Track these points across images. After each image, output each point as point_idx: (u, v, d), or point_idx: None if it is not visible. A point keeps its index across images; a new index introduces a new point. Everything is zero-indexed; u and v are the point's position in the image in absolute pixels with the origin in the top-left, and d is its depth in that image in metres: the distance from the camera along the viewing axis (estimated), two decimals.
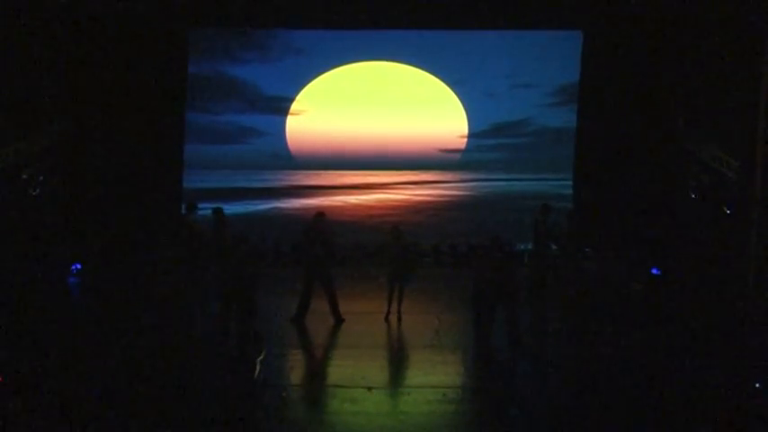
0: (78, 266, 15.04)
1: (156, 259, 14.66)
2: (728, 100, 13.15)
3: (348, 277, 14.43)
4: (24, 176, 14.07)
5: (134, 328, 12.22)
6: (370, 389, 10.15)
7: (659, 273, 14.75)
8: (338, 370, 11.21)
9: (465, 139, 18.47)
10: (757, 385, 9.59)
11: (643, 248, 15.25)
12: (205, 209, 14.58)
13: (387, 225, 14.46)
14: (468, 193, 18.75)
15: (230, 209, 17.96)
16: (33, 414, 8.94)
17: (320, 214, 13.53)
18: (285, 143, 18.36)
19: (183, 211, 15.00)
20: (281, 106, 18.20)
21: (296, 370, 11.40)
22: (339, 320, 13.04)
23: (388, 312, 13.23)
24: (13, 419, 8.75)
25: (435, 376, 10.67)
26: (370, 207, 18.59)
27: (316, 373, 11.38)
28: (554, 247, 14.47)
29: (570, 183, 17.63)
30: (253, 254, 12.40)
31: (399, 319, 13.21)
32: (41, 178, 14.43)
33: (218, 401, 9.87)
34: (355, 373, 10.71)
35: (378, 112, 18.55)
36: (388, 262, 13.42)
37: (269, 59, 17.97)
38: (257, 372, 10.81)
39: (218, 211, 14.24)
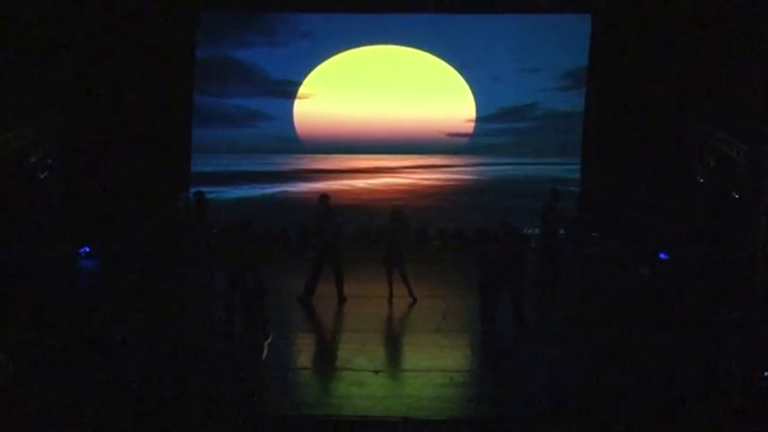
0: (87, 249, 15.10)
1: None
2: (737, 84, 13.09)
3: (355, 261, 14.44)
4: (33, 159, 14.10)
5: (142, 311, 12.27)
6: (376, 372, 10.19)
7: (667, 257, 14.74)
8: (345, 353, 11.26)
9: (472, 123, 18.41)
10: (766, 374, 9.57)
11: (650, 233, 15.23)
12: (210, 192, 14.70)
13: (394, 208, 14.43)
14: (475, 177, 18.70)
15: (237, 192, 18.06)
16: (42, 395, 9.02)
17: (324, 196, 13.60)
18: (292, 127, 18.33)
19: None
20: (288, 90, 18.16)
21: (303, 353, 11.46)
22: (342, 300, 13.13)
23: (391, 295, 13.27)
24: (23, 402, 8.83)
25: (442, 360, 10.70)
26: (378, 191, 18.57)
27: (323, 356, 11.42)
28: (562, 232, 14.48)
29: (578, 167, 17.58)
30: (257, 237, 12.43)
31: (413, 302, 13.23)
32: (49, 161, 14.45)
33: (227, 385, 9.91)
34: (362, 357, 10.75)
35: (385, 96, 18.50)
36: (385, 245, 13.47)
37: (276, 43, 17.92)
38: (264, 355, 10.85)
39: (198, 196, 14.28)
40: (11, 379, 9.23)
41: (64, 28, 14.69)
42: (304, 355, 11.40)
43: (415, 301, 13.27)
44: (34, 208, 14.01)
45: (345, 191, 18.22)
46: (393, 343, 12.06)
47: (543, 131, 18.10)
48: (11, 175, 13.22)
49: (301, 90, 18.16)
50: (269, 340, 11.26)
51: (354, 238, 16.45)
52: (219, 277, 12.27)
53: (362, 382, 9.89)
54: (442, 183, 18.80)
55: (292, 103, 18.21)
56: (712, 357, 10.40)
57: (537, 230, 14.98)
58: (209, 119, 17.72)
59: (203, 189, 15.02)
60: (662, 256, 14.74)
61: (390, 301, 13.25)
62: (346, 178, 18.62)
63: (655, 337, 11.28)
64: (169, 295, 13.20)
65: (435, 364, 10.50)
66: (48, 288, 12.88)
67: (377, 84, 18.38)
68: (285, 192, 18.47)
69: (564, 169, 17.74)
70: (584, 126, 17.36)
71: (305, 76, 18.08)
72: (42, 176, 14.32)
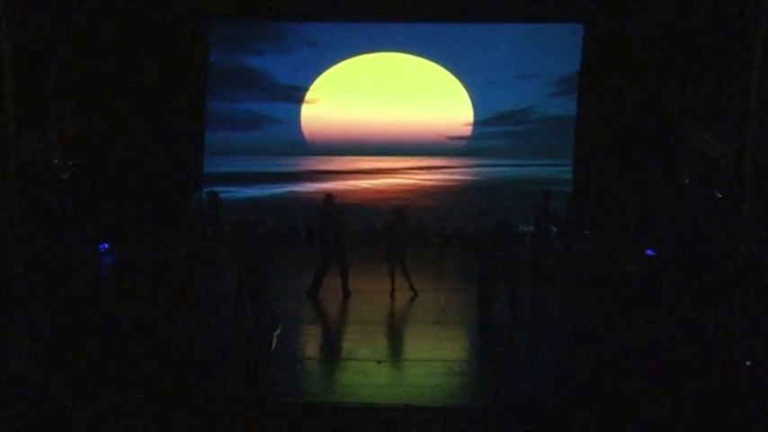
0: (105, 245, 15.18)
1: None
2: (721, 90, 13.15)
3: (359, 257, 14.52)
4: (55, 161, 14.17)
5: (157, 305, 12.36)
6: (379, 362, 10.26)
7: (654, 253, 14.79)
8: (350, 344, 11.32)
9: (470, 127, 18.47)
10: (748, 363, 9.64)
11: (639, 231, 15.29)
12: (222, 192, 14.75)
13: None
14: (473, 177, 18.77)
15: (248, 192, 18.14)
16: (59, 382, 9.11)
17: (329, 197, 13.65)
18: (300, 130, 18.40)
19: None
20: (295, 95, 18.23)
21: (310, 344, 11.53)
22: (346, 294, 13.18)
23: (393, 289, 13.33)
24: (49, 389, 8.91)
25: (441, 350, 10.77)
26: (380, 191, 18.64)
27: (328, 347, 11.49)
28: (554, 229, 14.54)
29: (570, 168, 17.62)
30: (267, 234, 12.48)
31: (414, 296, 13.28)
32: (71, 163, 14.53)
33: (238, 374, 9.99)
34: (366, 347, 10.82)
35: (388, 101, 18.56)
36: (387, 242, 13.53)
37: (284, 51, 17.99)
38: (274, 346, 10.92)
39: (211, 195, 14.31)
40: (22, 367, 9.31)
41: (85, 38, 14.77)
42: (311, 346, 11.47)
43: (415, 295, 13.33)
44: (57, 207, 14.07)
45: (350, 191, 18.28)
46: (395, 335, 12.12)
47: (538, 135, 18.15)
48: (35, 176, 13.28)
49: (308, 95, 18.22)
50: (278, 332, 11.33)
51: (358, 236, 16.50)
52: (231, 271, 12.36)
53: (366, 371, 9.96)
54: (441, 183, 18.86)
55: (299, 107, 18.28)
56: (697, 346, 10.47)
57: (531, 228, 15.04)
58: (221, 122, 17.81)
59: (216, 189, 15.08)
60: (649, 252, 14.80)
61: (392, 295, 13.30)
62: (351, 179, 18.69)
63: (643, 327, 11.35)
64: (184, 289, 13.29)
65: (435, 355, 10.57)
66: (69, 282, 12.97)
67: (380, 89, 18.44)
68: (293, 191, 18.54)
69: (557, 170, 17.79)
70: (577, 130, 17.41)
71: (311, 81, 18.14)
72: (64, 177, 14.39)
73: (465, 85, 18.27)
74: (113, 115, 15.62)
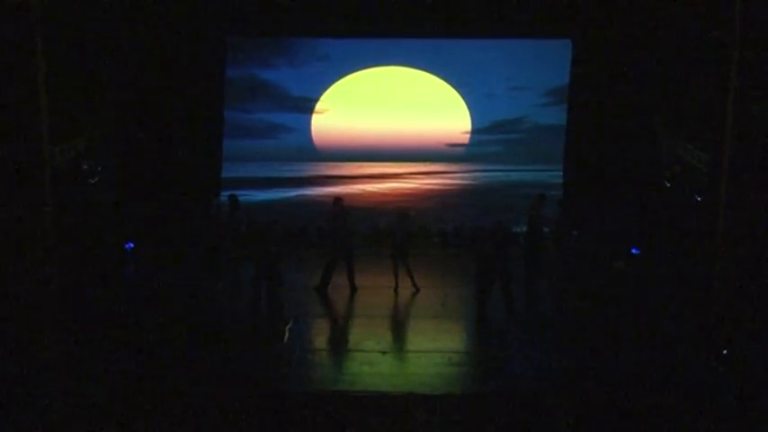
0: (131, 245, 15.17)
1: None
2: (700, 101, 13.11)
3: (365, 255, 14.49)
4: (85, 167, 14.18)
5: (180, 297, 12.37)
6: (384, 353, 10.24)
7: (638, 252, 14.75)
8: (356, 336, 11.31)
9: (468, 135, 18.51)
10: (725, 351, 9.62)
11: (624, 231, 15.24)
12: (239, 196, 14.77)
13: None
14: (470, 182, 18.80)
15: (262, 196, 18.18)
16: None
17: (338, 200, 13.66)
18: (310, 138, 18.45)
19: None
20: (306, 106, 18.28)
21: (319, 336, 11.51)
22: (353, 290, 13.18)
23: (397, 285, 13.32)
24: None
25: (441, 342, 10.75)
26: (385, 194, 18.67)
27: (337, 339, 11.48)
28: (546, 229, 14.52)
29: (560, 173, 17.60)
30: (280, 234, 12.47)
31: (416, 292, 13.26)
32: (99, 168, 14.53)
33: (253, 364, 9.97)
34: (371, 339, 10.81)
35: (392, 111, 18.61)
36: (391, 242, 13.52)
37: (296, 64, 18.03)
38: (286, 338, 10.91)
39: (232, 198, 14.35)
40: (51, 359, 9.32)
41: (114, 55, 14.80)
42: (320, 338, 11.45)
43: (417, 290, 13.31)
44: (86, 208, 14.08)
45: (357, 194, 18.32)
46: (398, 327, 12.10)
47: (530, 142, 18.19)
48: (66, 180, 13.29)
49: (318, 106, 18.27)
50: (290, 325, 11.33)
51: (365, 236, 16.50)
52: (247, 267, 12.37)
53: (372, 361, 9.94)
54: (441, 187, 18.89)
55: (310, 117, 18.33)
56: (676, 335, 10.46)
57: (525, 228, 15.02)
58: (238, 131, 17.83)
59: (233, 192, 15.06)
60: (634, 251, 14.76)
61: (396, 291, 13.29)
62: (357, 183, 18.73)
63: (628, 318, 11.33)
64: (203, 286, 13.29)
65: (435, 346, 10.54)
66: (98, 279, 12.99)
67: (385, 100, 18.49)
68: (304, 195, 18.58)
69: (548, 175, 17.78)
70: (566, 137, 17.36)
71: (321, 93, 18.19)
72: (93, 181, 14.40)
73: (463, 97, 18.31)
74: (139, 125, 15.63)
